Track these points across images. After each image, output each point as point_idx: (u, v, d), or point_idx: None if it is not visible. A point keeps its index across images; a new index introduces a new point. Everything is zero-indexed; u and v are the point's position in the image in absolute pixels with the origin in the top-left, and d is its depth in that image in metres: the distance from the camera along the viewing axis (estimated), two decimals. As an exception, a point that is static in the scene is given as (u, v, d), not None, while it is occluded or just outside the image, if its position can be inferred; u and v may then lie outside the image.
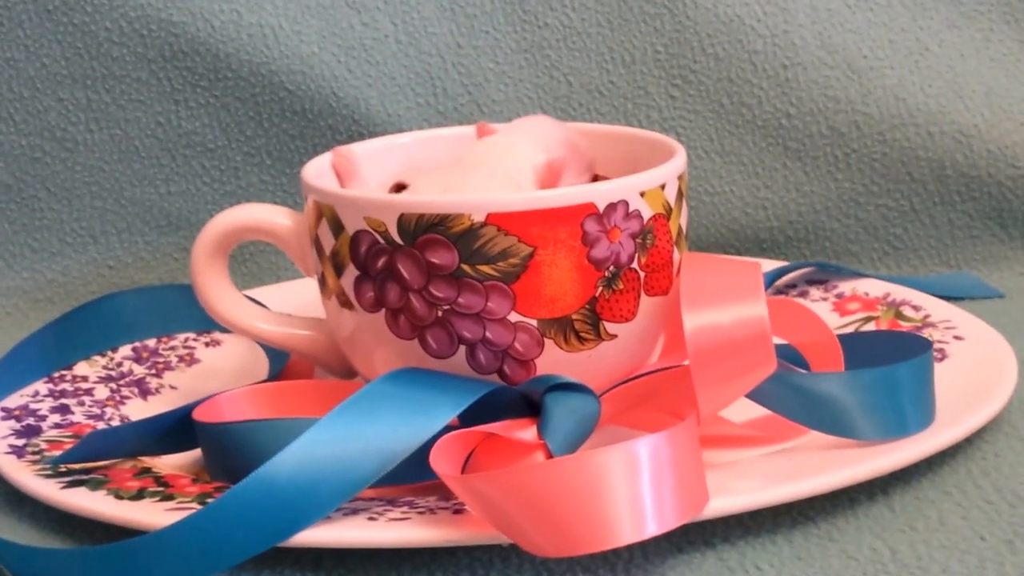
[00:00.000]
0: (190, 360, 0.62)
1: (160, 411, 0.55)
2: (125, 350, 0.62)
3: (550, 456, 0.46)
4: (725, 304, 0.48)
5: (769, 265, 0.67)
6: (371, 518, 0.45)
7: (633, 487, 0.41)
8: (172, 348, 0.62)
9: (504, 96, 0.76)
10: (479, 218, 0.48)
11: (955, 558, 0.44)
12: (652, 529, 0.41)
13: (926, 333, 0.58)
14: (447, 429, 0.46)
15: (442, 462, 0.44)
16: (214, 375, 0.61)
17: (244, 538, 0.43)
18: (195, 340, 0.63)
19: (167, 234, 0.76)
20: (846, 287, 0.64)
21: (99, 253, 0.76)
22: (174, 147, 0.76)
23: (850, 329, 0.61)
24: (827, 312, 0.62)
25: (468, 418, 0.47)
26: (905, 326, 0.60)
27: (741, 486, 0.46)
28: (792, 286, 0.65)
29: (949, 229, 0.73)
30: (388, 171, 0.58)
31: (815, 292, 0.65)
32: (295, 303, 0.64)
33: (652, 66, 0.75)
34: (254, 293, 0.66)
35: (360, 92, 0.75)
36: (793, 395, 0.49)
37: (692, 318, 0.47)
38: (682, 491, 0.42)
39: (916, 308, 0.61)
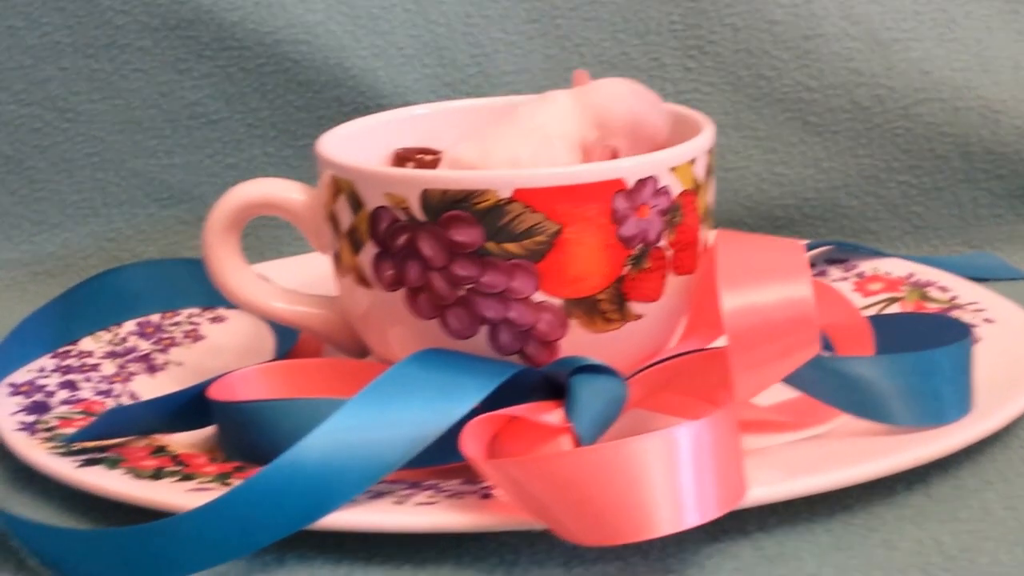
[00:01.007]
0: (195, 336, 0.61)
1: (168, 388, 0.55)
2: (130, 325, 0.60)
3: (576, 440, 0.45)
4: (766, 284, 0.46)
5: None
6: (398, 502, 0.44)
7: (673, 475, 0.40)
8: (177, 324, 0.61)
9: (514, 67, 0.74)
10: (505, 194, 0.47)
11: (1003, 550, 0.43)
12: (692, 519, 0.40)
13: (954, 315, 0.57)
14: (471, 412, 0.45)
15: (472, 447, 0.43)
16: (220, 352, 0.60)
17: (270, 522, 0.42)
18: (199, 316, 0.62)
19: (169, 207, 0.75)
20: (867, 267, 0.63)
21: (100, 226, 0.75)
22: (177, 118, 0.75)
23: (874, 311, 0.59)
24: (849, 292, 0.61)
25: (490, 401, 0.46)
26: (931, 308, 0.59)
27: (779, 474, 0.45)
28: (811, 265, 0.63)
29: (972, 208, 0.72)
30: (400, 145, 0.57)
31: (835, 272, 0.63)
32: (300, 278, 0.62)
33: (667, 36, 0.74)
34: (257, 268, 0.64)
35: (367, 63, 0.74)
36: (828, 378, 0.47)
37: (731, 298, 0.46)
38: (723, 480, 0.41)
39: (943, 289, 0.60)
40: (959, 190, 0.72)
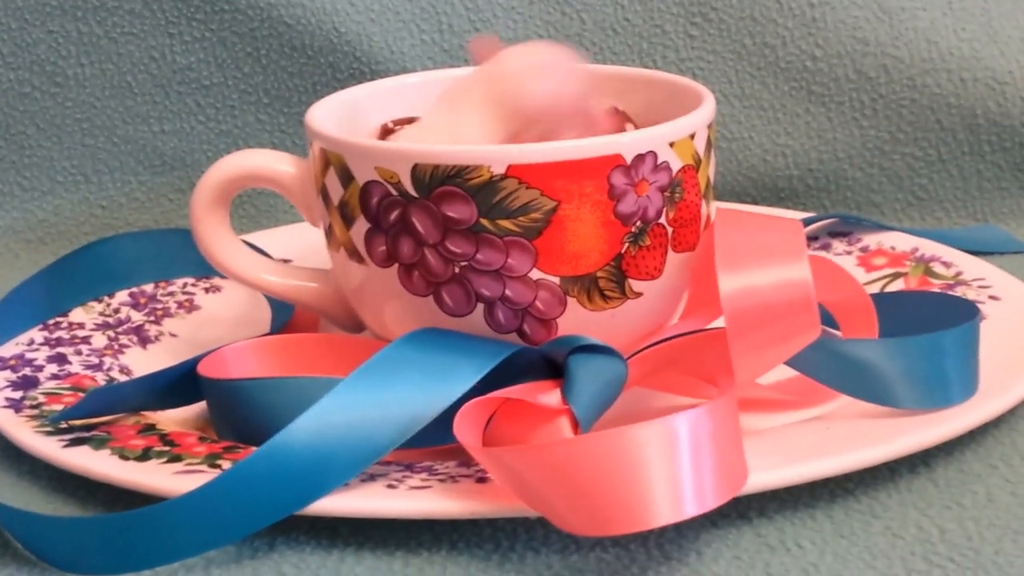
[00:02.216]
0: (189, 307, 0.60)
1: (161, 360, 0.54)
2: (122, 296, 0.59)
3: (575, 421, 0.44)
4: (765, 265, 0.45)
5: (788, 216, 0.64)
6: (390, 485, 0.43)
7: (671, 465, 0.39)
8: (171, 294, 0.60)
9: (513, 34, 0.73)
10: (499, 170, 0.46)
11: (1008, 538, 0.42)
12: (691, 510, 0.39)
13: (959, 292, 0.56)
14: (467, 392, 0.44)
15: (466, 432, 0.42)
16: (215, 323, 0.59)
17: (259, 508, 0.41)
18: (194, 285, 0.61)
19: (161, 174, 0.75)
20: (871, 240, 0.62)
21: (91, 193, 0.74)
22: (168, 83, 0.74)
23: (877, 286, 0.58)
24: (852, 267, 0.60)
25: (487, 379, 0.45)
26: (936, 283, 0.58)
27: (779, 459, 0.44)
28: (814, 238, 0.63)
29: (977, 181, 0.71)
30: (391, 115, 0.56)
31: (838, 245, 0.62)
32: (295, 248, 0.62)
33: (670, 3, 0.73)
34: (252, 237, 0.64)
35: (363, 28, 0.73)
36: (831, 361, 0.47)
37: (729, 280, 0.45)
38: (722, 468, 0.40)
39: (947, 264, 0.59)
40: (964, 162, 0.71)
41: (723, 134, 0.72)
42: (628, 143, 0.47)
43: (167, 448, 0.46)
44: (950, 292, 0.56)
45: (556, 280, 0.47)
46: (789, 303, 0.45)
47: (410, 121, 0.54)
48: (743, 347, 0.44)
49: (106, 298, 0.59)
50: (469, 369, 0.44)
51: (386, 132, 0.54)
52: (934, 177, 0.71)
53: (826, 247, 0.62)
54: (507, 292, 0.47)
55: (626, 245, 0.48)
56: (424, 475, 0.44)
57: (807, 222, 0.63)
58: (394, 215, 0.47)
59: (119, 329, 0.57)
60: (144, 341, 0.57)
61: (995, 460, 0.47)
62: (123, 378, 0.53)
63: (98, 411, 0.48)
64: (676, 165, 0.48)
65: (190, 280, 0.61)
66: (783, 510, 0.44)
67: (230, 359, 0.49)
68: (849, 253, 0.61)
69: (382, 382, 0.43)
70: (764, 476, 0.42)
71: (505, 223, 0.46)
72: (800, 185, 0.72)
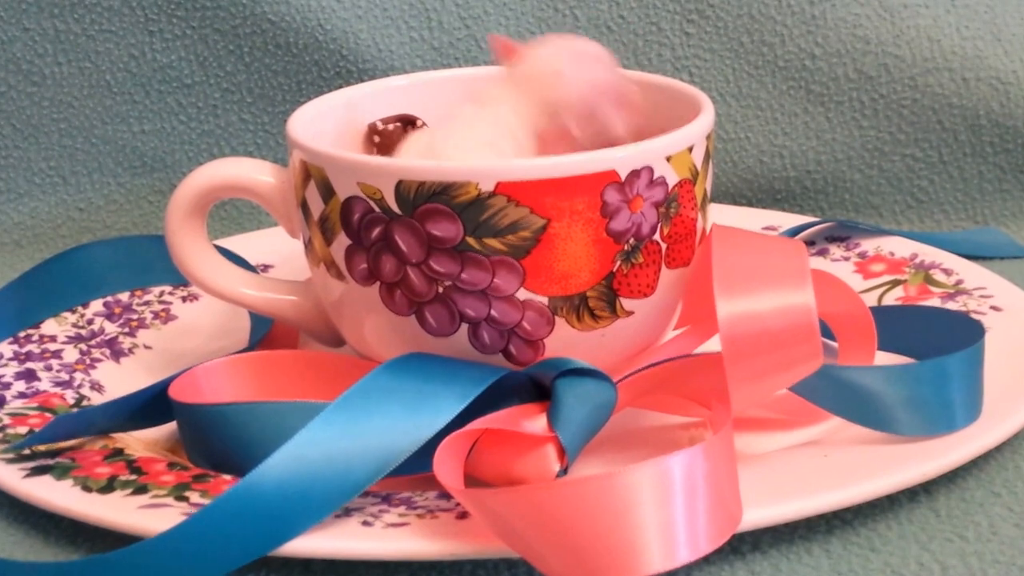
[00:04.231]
0: (166, 317, 0.58)
1: (134, 374, 0.52)
2: (96, 305, 0.58)
3: (561, 448, 0.43)
4: (765, 289, 0.43)
5: (785, 220, 0.64)
6: (365, 522, 0.41)
7: (664, 509, 0.37)
8: (147, 303, 0.59)
9: (505, 31, 0.72)
10: (487, 187, 0.44)
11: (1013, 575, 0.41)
12: (684, 556, 0.37)
13: (959, 300, 0.55)
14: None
15: (447, 470, 0.40)
16: (191, 334, 0.57)
17: (231, 550, 0.40)
18: (171, 294, 0.59)
19: (141, 175, 0.73)
20: (869, 245, 0.61)
21: (69, 195, 0.73)
22: (148, 82, 0.73)
23: (875, 294, 0.57)
24: (850, 274, 0.59)
25: (473, 402, 0.43)
26: (936, 292, 0.56)
27: (775, 493, 0.42)
28: (811, 243, 0.62)
29: (978, 183, 0.70)
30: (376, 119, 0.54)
31: (836, 250, 0.61)
32: (281, 253, 0.61)
33: None
34: (234, 241, 0.63)
35: (349, 25, 0.71)
36: (831, 386, 0.45)
37: (727, 304, 0.43)
38: (717, 510, 0.38)
39: (947, 272, 0.58)
40: (966, 164, 0.70)
41: (719, 135, 0.71)
42: (623, 158, 0.45)
43: (133, 477, 0.44)
44: (951, 301, 0.55)
45: (544, 300, 0.45)
46: (790, 330, 0.43)
47: (403, 119, 0.53)
48: (740, 375, 0.43)
49: (80, 308, 0.57)
50: (451, 398, 0.43)
51: (373, 132, 0.53)
52: (935, 179, 0.70)
53: (823, 252, 0.61)
54: (492, 312, 0.46)
55: (618, 263, 0.46)
56: (402, 509, 0.43)
57: (804, 227, 0.62)
58: (376, 232, 0.46)
59: (92, 342, 0.55)
60: (117, 355, 0.55)
61: (998, 487, 0.45)
62: (93, 394, 0.51)
63: (64, 437, 0.46)
64: (672, 180, 0.46)
65: (167, 288, 0.60)
66: (778, 544, 0.42)
67: (202, 380, 0.47)
68: (847, 259, 0.60)
69: (360, 414, 0.42)
70: (759, 513, 0.41)
71: (492, 242, 0.45)
72: (798, 187, 0.71)
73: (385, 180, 0.45)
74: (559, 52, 0.49)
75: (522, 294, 0.45)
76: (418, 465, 0.42)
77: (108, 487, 0.44)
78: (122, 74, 0.72)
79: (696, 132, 0.47)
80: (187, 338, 0.57)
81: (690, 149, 0.47)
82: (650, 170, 0.45)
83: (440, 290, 0.45)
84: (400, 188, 0.45)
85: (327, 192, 0.46)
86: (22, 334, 0.55)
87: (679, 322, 0.50)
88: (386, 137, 0.52)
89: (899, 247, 0.60)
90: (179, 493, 0.43)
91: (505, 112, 0.48)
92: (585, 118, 0.48)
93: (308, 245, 0.49)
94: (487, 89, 0.50)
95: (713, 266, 0.44)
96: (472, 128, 0.48)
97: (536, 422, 0.44)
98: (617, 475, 0.37)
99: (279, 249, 0.61)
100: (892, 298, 0.56)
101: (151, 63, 0.72)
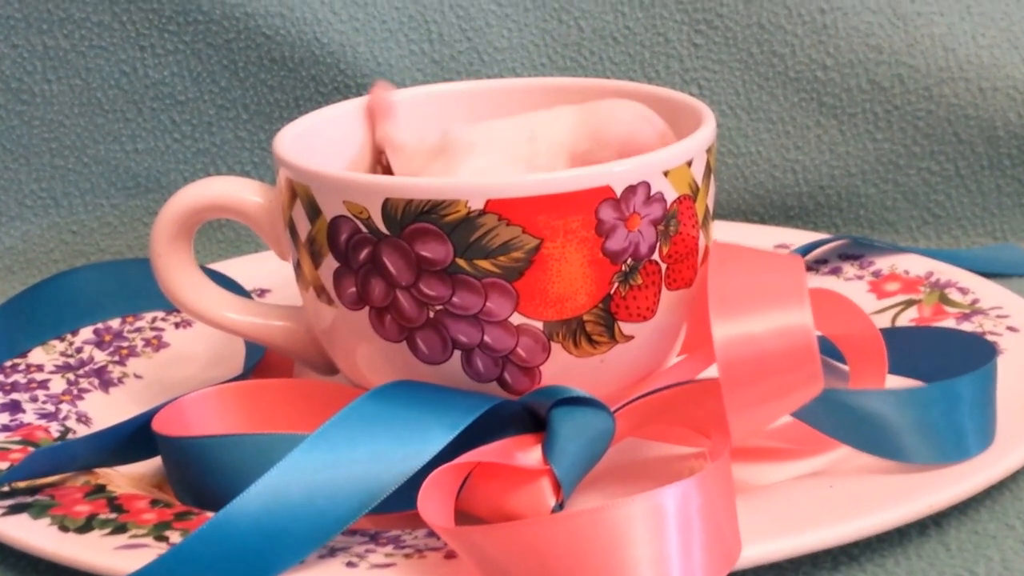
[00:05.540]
0: (157, 344, 0.57)
1: (122, 404, 0.52)
2: (86, 333, 0.56)
3: (556, 482, 0.42)
4: (762, 310, 0.42)
5: (797, 237, 0.63)
6: (350, 563, 0.40)
7: (658, 545, 0.36)
8: (138, 330, 0.57)
9: (507, 43, 0.71)
10: (477, 205, 0.43)
11: (1028, 618, 0.39)
12: (678, 595, 0.36)
13: (975, 321, 0.54)
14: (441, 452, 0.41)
15: (433, 506, 0.39)
16: (184, 361, 0.56)
17: None
18: (163, 320, 0.58)
19: (135, 196, 0.73)
20: (884, 264, 0.59)
21: (61, 217, 0.73)
22: (140, 99, 0.72)
23: (889, 314, 0.56)
24: (863, 293, 0.57)
25: (464, 433, 0.42)
26: (951, 312, 0.55)
27: (777, 527, 0.40)
28: (823, 261, 0.60)
29: (997, 197, 0.69)
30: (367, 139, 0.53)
31: (849, 269, 0.60)
32: (278, 276, 0.59)
33: (673, 10, 0.71)
34: (231, 264, 0.62)
35: (346, 38, 0.71)
36: (836, 411, 0.43)
37: (723, 327, 0.42)
38: (713, 545, 0.37)
39: (963, 291, 0.56)
40: (983, 177, 0.69)
41: (729, 149, 0.71)
42: (618, 173, 0.44)
43: (113, 516, 0.43)
44: (966, 321, 0.53)
45: (539, 325, 0.44)
46: (789, 352, 0.41)
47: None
48: (739, 401, 0.41)
49: (69, 336, 0.56)
50: (440, 428, 0.41)
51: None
52: (951, 193, 0.69)
53: (836, 271, 0.60)
54: (486, 338, 0.44)
55: (615, 285, 0.44)
56: (389, 548, 0.41)
57: (817, 244, 0.61)
58: (364, 254, 0.44)
59: (80, 371, 0.54)
60: (106, 384, 0.54)
61: (1011, 519, 0.43)
62: (79, 427, 0.50)
63: (44, 472, 0.45)
64: (671, 196, 0.45)
65: (160, 314, 0.58)
66: (781, 580, 0.41)
67: (189, 411, 0.46)
68: (860, 278, 0.59)
69: (343, 445, 0.40)
70: (759, 548, 0.39)
71: (483, 263, 0.43)
72: (810, 202, 0.70)
73: (372, 198, 0.43)
74: (632, 107, 0.49)
75: (516, 319, 0.44)
76: (408, 500, 0.40)
77: (86, 526, 0.42)
78: (114, 91, 0.72)
79: (695, 145, 0.46)
80: (180, 367, 0.55)
81: (689, 163, 0.45)
82: (647, 186, 0.44)
83: (431, 315, 0.44)
84: (387, 207, 0.43)
85: (313, 212, 0.45)
86: (8, 363, 0.54)
87: (684, 345, 0.49)
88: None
89: (914, 265, 0.59)
90: (159, 533, 0.42)
91: (550, 120, 0.48)
92: (614, 156, 0.47)
93: (297, 268, 0.47)
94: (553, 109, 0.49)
95: (709, 286, 0.42)
96: (493, 131, 0.48)
97: (531, 454, 0.42)
98: (607, 509, 0.36)
99: (278, 271, 0.59)
100: (906, 319, 0.55)
101: (143, 80, 0.72)
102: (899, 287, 0.58)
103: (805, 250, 0.60)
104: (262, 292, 0.60)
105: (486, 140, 0.48)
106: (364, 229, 0.44)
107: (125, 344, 0.56)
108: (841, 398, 0.43)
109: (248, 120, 0.72)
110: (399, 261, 0.44)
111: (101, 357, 0.55)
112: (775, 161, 0.70)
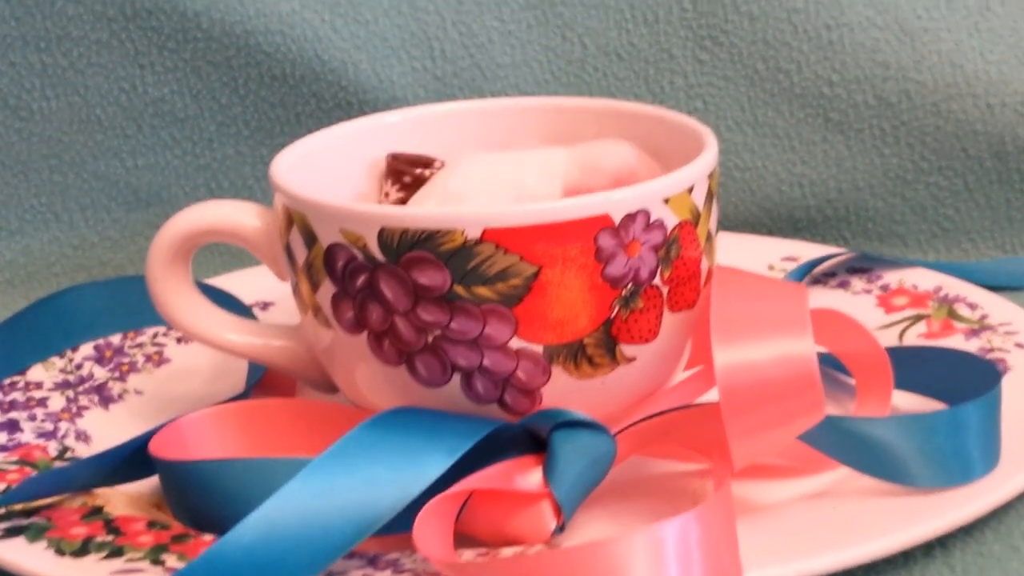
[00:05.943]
0: (159, 360, 0.57)
1: (122, 421, 0.51)
2: (86, 349, 0.56)
3: (557, 506, 0.42)
4: (764, 337, 0.42)
5: (806, 250, 0.63)
6: (348, 589, 0.40)
7: (657, 579, 0.35)
8: (139, 345, 0.57)
9: (510, 60, 0.71)
10: (474, 234, 0.42)
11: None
12: (677, 629, 0.35)
13: (983, 337, 0.53)
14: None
15: (430, 534, 0.39)
16: (185, 377, 0.56)
17: None
18: (165, 335, 0.58)
19: (136, 211, 0.73)
20: (892, 278, 0.59)
21: (62, 232, 0.72)
22: (140, 116, 0.72)
23: (897, 329, 0.55)
24: (872, 308, 0.57)
25: (465, 455, 0.42)
26: (959, 327, 0.55)
27: (778, 551, 0.40)
28: (831, 275, 0.60)
29: (1006, 211, 0.68)
30: (367, 159, 0.53)
31: (857, 283, 0.60)
32: (280, 289, 0.57)
33: (678, 26, 0.71)
34: (233, 277, 0.62)
35: (347, 55, 0.70)
36: (840, 436, 0.43)
37: (725, 353, 0.41)
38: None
39: (972, 306, 0.56)
40: (992, 191, 0.68)
41: (736, 163, 0.70)
42: (616, 202, 0.43)
43: (110, 538, 0.43)
44: (975, 337, 0.53)
45: (539, 348, 0.44)
46: (791, 380, 0.41)
47: (418, 162, 0.51)
48: (740, 428, 0.41)
49: (69, 352, 0.56)
50: (438, 453, 0.41)
51: (393, 172, 0.51)
52: (960, 207, 0.69)
53: (844, 285, 0.59)
54: (485, 362, 0.44)
55: (616, 309, 0.44)
56: (388, 572, 0.41)
57: (825, 258, 0.61)
58: (361, 281, 0.44)
59: (79, 388, 0.54)
60: (106, 401, 0.53)
61: (1017, 540, 0.43)
62: (79, 445, 0.50)
63: (41, 495, 0.45)
64: (672, 222, 0.45)
65: (161, 330, 0.58)
66: (783, 609, 0.40)
67: (187, 432, 0.46)
68: (868, 292, 0.59)
69: (341, 472, 0.40)
70: (761, 574, 0.39)
71: (482, 290, 0.43)
72: (818, 216, 0.70)
73: (368, 227, 0.43)
74: (625, 145, 0.49)
75: (515, 343, 0.44)
76: (409, 522, 0.40)
77: (82, 550, 0.42)
78: (113, 108, 0.72)
79: (696, 172, 0.45)
80: (181, 382, 0.55)
81: (690, 190, 0.45)
82: (646, 213, 0.44)
83: (430, 340, 0.44)
84: (383, 235, 0.43)
85: (310, 239, 0.45)
86: (7, 381, 0.54)
87: (690, 362, 0.48)
88: (415, 180, 0.51)
89: (923, 279, 0.59)
90: (155, 556, 0.42)
91: (534, 155, 0.48)
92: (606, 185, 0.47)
93: (296, 290, 0.47)
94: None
95: (711, 312, 0.42)
96: (491, 164, 0.48)
97: (531, 477, 0.42)
98: (607, 544, 0.36)
99: (281, 284, 0.58)
100: (914, 334, 0.55)
101: (143, 97, 0.72)
102: (907, 301, 0.57)
103: (814, 264, 0.60)
104: (265, 305, 0.60)
105: (468, 167, 0.48)
106: (361, 257, 0.44)
107: (126, 360, 0.56)
108: (845, 425, 0.43)
109: (249, 136, 0.72)
110: (396, 288, 0.43)
111: (101, 373, 0.55)
112: (782, 175, 0.70)
